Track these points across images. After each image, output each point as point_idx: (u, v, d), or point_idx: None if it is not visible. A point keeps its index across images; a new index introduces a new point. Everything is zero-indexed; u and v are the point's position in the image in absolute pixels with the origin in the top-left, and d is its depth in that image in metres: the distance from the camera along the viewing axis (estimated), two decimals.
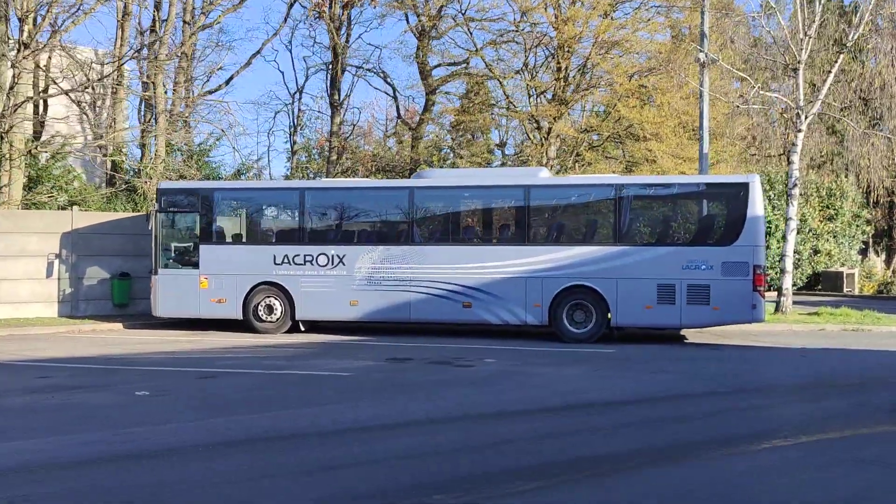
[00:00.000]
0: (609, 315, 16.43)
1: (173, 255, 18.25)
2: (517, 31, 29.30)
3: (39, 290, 19.64)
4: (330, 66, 32.62)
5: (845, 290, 32.34)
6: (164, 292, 18.04)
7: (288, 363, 13.55)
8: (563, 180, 17.74)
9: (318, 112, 41.31)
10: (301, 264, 17.53)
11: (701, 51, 20.82)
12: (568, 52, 26.05)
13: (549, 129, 28.42)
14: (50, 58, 27.88)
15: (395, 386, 11.52)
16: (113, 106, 28.19)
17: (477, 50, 29.43)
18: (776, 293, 21.19)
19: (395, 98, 36.56)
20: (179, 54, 28.28)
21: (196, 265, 17.91)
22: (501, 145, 32.39)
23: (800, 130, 20.14)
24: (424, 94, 34.57)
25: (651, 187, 17.45)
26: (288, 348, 15.57)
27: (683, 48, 24.42)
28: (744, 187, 16.20)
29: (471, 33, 29.13)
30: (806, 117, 20.12)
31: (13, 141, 20.11)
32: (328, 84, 32.76)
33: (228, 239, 18.27)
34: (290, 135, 40.48)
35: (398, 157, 37.07)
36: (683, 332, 17.75)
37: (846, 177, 34.47)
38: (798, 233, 32.45)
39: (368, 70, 36.45)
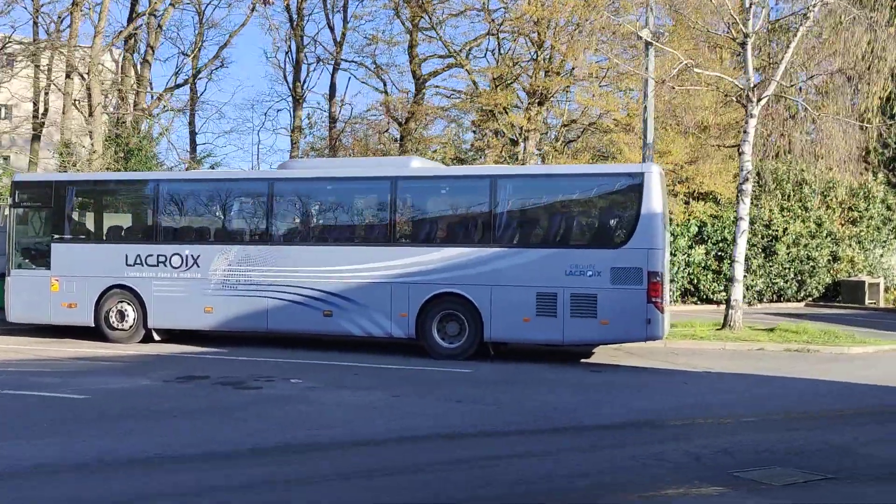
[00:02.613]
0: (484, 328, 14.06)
1: (26, 254, 16.63)
2: (489, 17, 26.95)
3: None
4: (287, 55, 30.81)
5: (867, 301, 28.78)
6: (16, 296, 16.40)
7: (52, 382, 11.63)
8: (434, 171, 15.36)
9: (321, 110, 39.61)
10: (154, 265, 15.66)
11: (644, 27, 18.16)
12: (520, 32, 23.56)
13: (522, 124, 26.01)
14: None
15: (118, 416, 9.50)
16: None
17: (440, 38, 27.15)
18: (724, 305, 18.23)
19: (385, 93, 34.53)
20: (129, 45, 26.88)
21: (49, 266, 16.25)
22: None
23: (751, 116, 17.20)
24: (413, 87, 32.61)
25: (532, 179, 14.93)
26: (99, 361, 13.70)
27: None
28: (637, 178, 13.58)
29: (430, 16, 26.81)
30: (758, 100, 17.19)
31: None
32: (284, 75, 30.94)
33: (80, 237, 16.52)
34: (291, 132, 39.03)
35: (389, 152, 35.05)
36: (601, 348, 15.24)
37: (874, 175, 30.85)
38: (813, 238, 29.11)
39: (358, 63, 34.70)
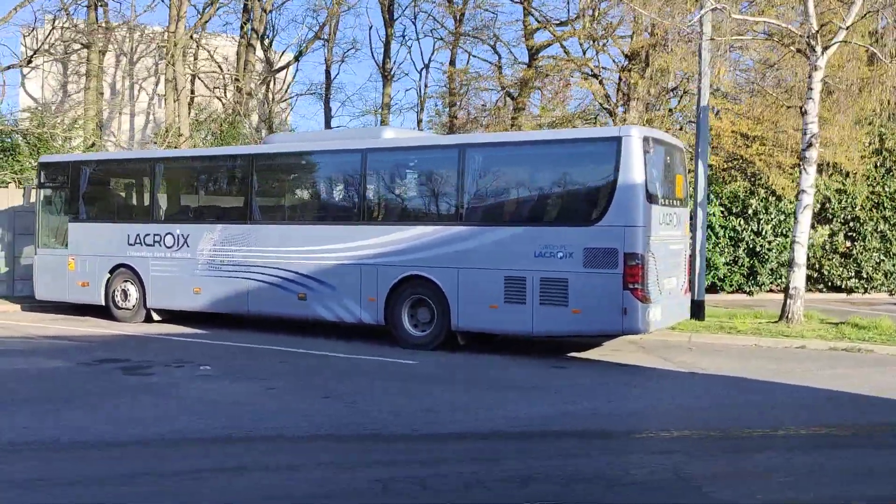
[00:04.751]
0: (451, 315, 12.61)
1: (51, 233, 16.96)
2: None
3: None
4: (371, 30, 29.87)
5: None
6: (42, 274, 16.82)
7: None
8: (404, 142, 13.79)
9: (444, 87, 38.81)
10: (151, 245, 15.45)
11: None
12: None
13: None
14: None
15: None
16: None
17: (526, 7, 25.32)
18: (783, 294, 15.48)
19: (499, 67, 33.16)
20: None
21: (67, 245, 16.50)
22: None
23: (815, 68, 14.38)
24: (528, 60, 31.06)
25: (500, 147, 13.12)
26: (60, 340, 13.58)
27: None
28: (613, 144, 11.57)
29: None
30: (824, 49, 14.33)
31: None
32: (371, 52, 30.06)
33: (92, 216, 16.49)
34: (417, 112, 38.55)
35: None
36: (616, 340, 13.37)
37: None
38: None
39: (474, 37, 33.59)
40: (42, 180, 17.01)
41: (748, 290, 22.85)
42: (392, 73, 30.78)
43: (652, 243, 11.64)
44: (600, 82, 24.08)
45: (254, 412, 8.52)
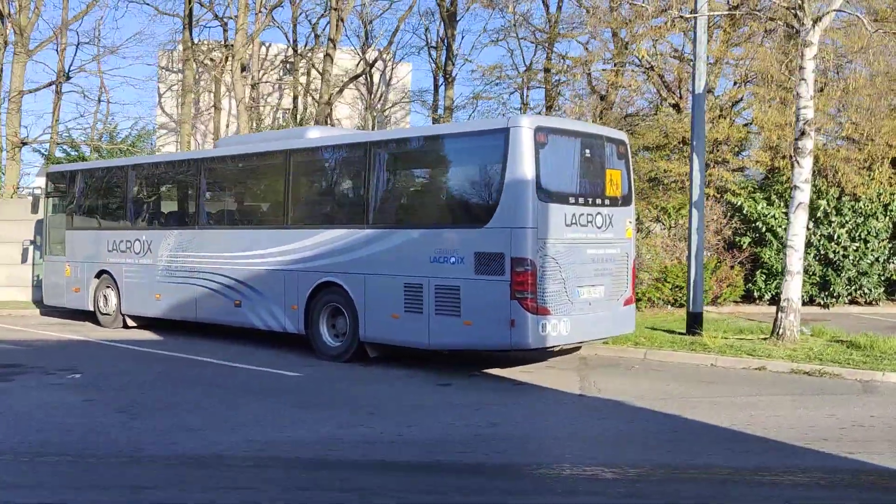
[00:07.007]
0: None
1: (54, 241, 17.50)
2: None
3: (17, 274, 20.30)
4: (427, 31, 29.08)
5: None
6: (47, 280, 17.47)
7: None
8: (321, 141, 12.70)
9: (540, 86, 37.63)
10: (124, 251, 15.58)
11: None
12: None
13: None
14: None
15: None
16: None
17: None
18: (775, 308, 13.35)
19: (587, 63, 31.66)
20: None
21: (65, 252, 17.01)
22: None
23: (806, 45, 12.30)
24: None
25: (399, 144, 11.99)
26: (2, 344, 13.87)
27: None
28: (501, 137, 10.32)
29: None
30: (815, 22, 12.24)
31: (7, 134, 21.17)
32: (429, 52, 29.17)
33: (83, 223, 16.84)
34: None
35: None
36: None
37: None
38: None
39: (566, 37, 32.32)
40: (49, 190, 17.63)
41: (822, 301, 20.28)
42: (454, 75, 29.96)
43: (552, 247, 10.31)
44: (653, 68, 22.25)
45: (24, 427, 8.11)
